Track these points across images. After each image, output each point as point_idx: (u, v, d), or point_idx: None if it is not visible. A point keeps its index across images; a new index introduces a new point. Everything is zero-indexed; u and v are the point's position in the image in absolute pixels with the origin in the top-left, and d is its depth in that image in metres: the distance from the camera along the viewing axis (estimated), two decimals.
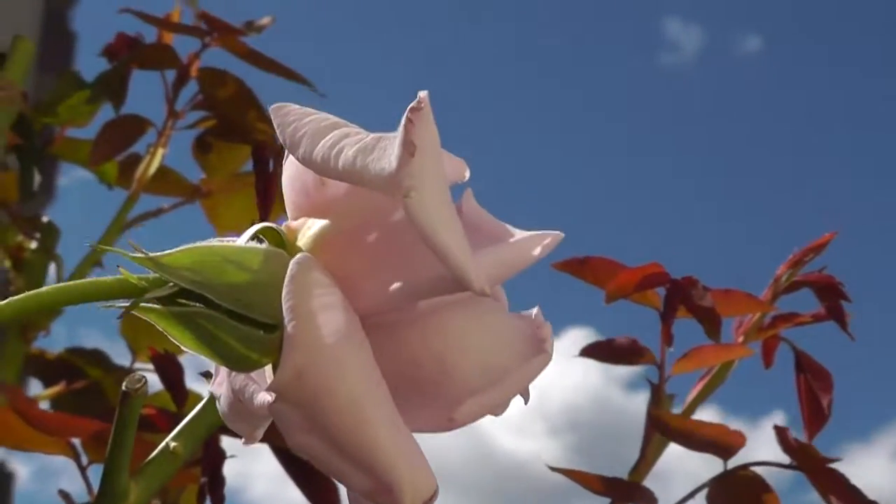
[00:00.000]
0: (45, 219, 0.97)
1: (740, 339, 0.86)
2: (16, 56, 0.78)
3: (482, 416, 0.38)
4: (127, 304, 0.38)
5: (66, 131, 1.01)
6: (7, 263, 0.96)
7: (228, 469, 0.74)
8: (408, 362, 0.37)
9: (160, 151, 0.96)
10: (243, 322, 0.38)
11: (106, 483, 0.52)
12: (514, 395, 0.39)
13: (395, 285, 0.36)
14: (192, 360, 0.94)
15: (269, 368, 0.39)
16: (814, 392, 0.83)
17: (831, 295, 0.84)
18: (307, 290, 0.35)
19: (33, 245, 0.96)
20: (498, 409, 0.39)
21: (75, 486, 0.77)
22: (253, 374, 0.40)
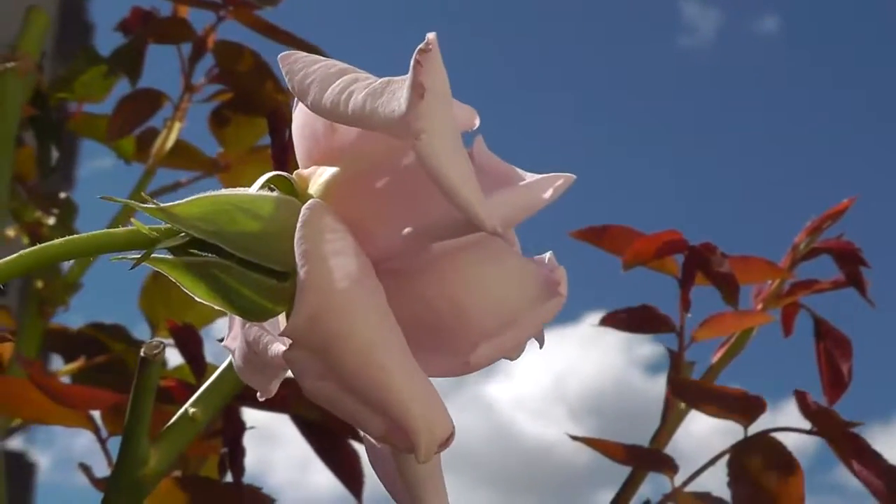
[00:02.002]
0: (62, 195, 0.97)
1: (759, 306, 0.85)
2: (30, 27, 0.78)
3: (497, 359, 0.38)
4: (139, 256, 0.38)
5: (83, 108, 1.01)
6: (25, 240, 0.96)
7: (248, 456, 0.74)
8: (422, 307, 0.37)
9: (177, 125, 0.96)
10: (256, 270, 0.37)
11: (125, 449, 0.52)
12: (529, 338, 0.38)
13: (408, 229, 0.36)
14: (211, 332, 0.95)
15: (282, 318, 0.39)
16: (833, 359, 0.82)
17: (850, 261, 0.83)
18: (319, 235, 0.35)
19: (51, 221, 0.96)
20: (513, 352, 0.38)
21: (97, 474, 0.78)
22: (266, 325, 0.40)
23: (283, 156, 0.61)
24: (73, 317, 0.98)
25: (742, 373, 0.87)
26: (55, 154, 0.94)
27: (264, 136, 1.00)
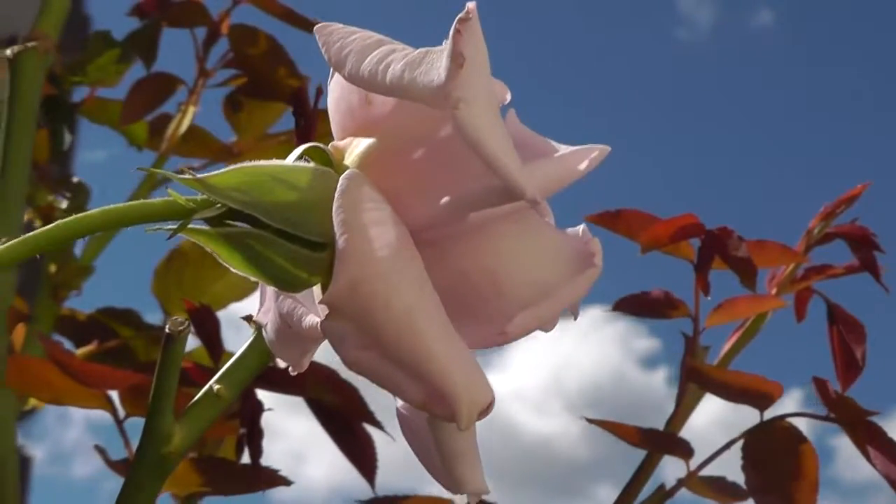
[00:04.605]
0: (75, 179, 0.97)
1: (773, 291, 0.86)
2: (50, 7, 0.78)
3: (533, 330, 0.38)
4: (175, 226, 0.38)
5: (96, 92, 1.01)
6: (38, 223, 0.96)
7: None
8: (459, 277, 0.37)
9: (191, 109, 0.96)
10: (292, 241, 0.37)
11: (150, 426, 0.52)
12: (563, 310, 0.38)
13: (445, 199, 0.36)
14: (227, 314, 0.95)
15: (317, 290, 0.39)
16: (847, 344, 0.82)
17: (864, 246, 0.84)
18: (358, 205, 0.35)
19: (64, 205, 0.96)
20: (548, 323, 0.38)
21: (90, 467, 0.78)
22: (300, 298, 0.40)
23: (307, 138, 0.61)
24: (83, 302, 0.98)
25: (752, 358, 0.87)
26: (68, 137, 0.94)
27: (277, 122, 1.00)
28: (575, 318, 0.40)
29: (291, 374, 0.43)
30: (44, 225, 0.92)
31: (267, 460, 0.74)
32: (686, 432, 0.82)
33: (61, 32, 0.79)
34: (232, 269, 0.39)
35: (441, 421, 0.37)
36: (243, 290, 0.94)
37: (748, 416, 0.79)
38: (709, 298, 0.80)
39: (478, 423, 0.36)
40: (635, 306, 0.84)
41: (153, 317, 0.98)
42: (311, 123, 0.61)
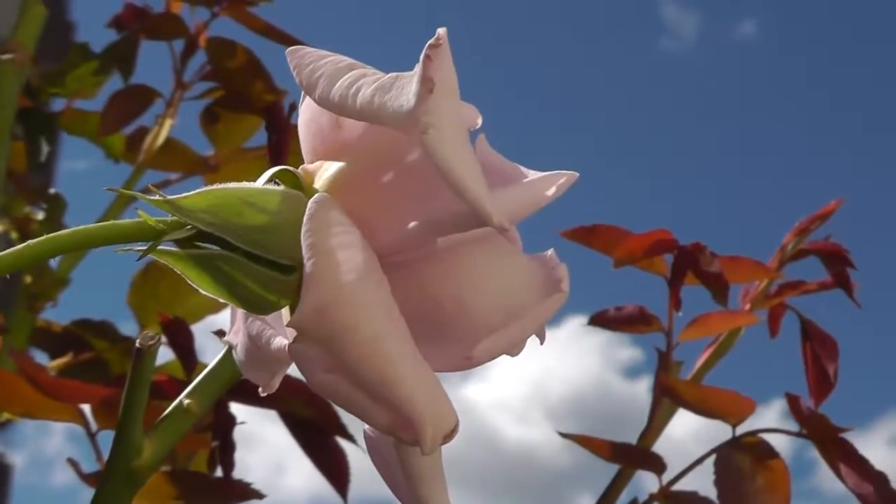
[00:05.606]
0: (52, 190, 0.97)
1: (747, 307, 0.86)
2: (26, 19, 0.78)
3: (499, 355, 0.38)
4: (145, 248, 0.38)
5: (73, 104, 1.01)
6: (14, 235, 0.96)
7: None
8: (425, 301, 0.37)
9: (168, 122, 0.96)
10: (261, 263, 0.38)
11: (119, 439, 0.52)
12: (530, 335, 0.39)
13: (413, 224, 0.36)
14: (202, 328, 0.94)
15: (285, 312, 0.40)
16: (820, 360, 0.83)
17: (837, 263, 0.84)
18: (326, 228, 0.35)
19: (40, 216, 0.96)
20: (514, 348, 0.39)
21: (70, 476, 0.78)
22: (269, 320, 0.40)
23: (279, 153, 0.61)
24: (58, 313, 0.98)
25: (725, 373, 0.87)
26: (45, 149, 0.94)
27: (254, 135, 1.00)
28: (541, 342, 0.40)
29: (261, 393, 0.43)
30: (20, 236, 0.92)
31: (247, 470, 0.74)
32: (663, 445, 0.82)
33: (44, 40, 0.79)
34: (201, 290, 0.39)
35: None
36: (220, 303, 0.94)
37: (725, 429, 0.79)
38: (680, 314, 0.81)
39: (461, 431, 0.36)
40: (610, 321, 0.84)
41: (130, 328, 0.98)
42: (283, 139, 0.61)
